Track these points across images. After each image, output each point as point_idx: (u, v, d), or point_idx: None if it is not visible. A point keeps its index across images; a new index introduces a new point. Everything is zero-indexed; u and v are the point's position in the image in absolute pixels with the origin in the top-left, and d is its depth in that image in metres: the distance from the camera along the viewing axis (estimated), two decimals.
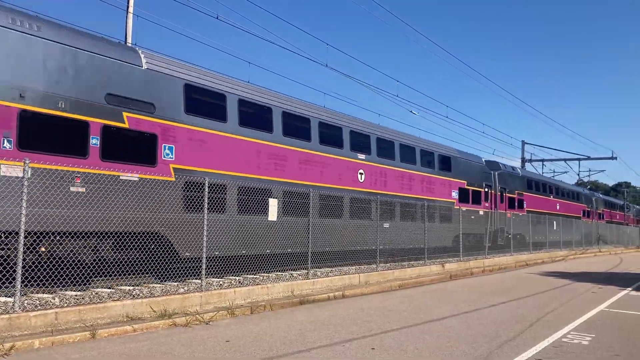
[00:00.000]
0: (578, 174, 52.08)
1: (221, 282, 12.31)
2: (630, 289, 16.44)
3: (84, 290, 10.60)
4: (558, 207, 36.35)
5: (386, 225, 18.03)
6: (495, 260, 24.01)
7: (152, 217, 11.30)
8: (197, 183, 12.03)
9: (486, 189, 26.47)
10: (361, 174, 17.61)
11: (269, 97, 14.48)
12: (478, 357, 7.58)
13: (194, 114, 12.41)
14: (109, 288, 11.00)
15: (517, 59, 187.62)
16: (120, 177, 10.63)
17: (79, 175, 10.22)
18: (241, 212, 12.99)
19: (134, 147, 11.23)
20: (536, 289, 15.71)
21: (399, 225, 18.71)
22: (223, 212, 12.67)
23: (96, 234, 10.49)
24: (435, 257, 21.07)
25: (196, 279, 12.34)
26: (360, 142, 17.57)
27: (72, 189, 10.11)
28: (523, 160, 45.57)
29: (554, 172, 50.96)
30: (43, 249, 9.74)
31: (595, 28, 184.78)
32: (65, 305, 9.10)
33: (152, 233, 11.20)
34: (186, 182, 12.00)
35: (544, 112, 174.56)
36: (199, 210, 11.71)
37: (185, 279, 12.07)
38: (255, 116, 13.75)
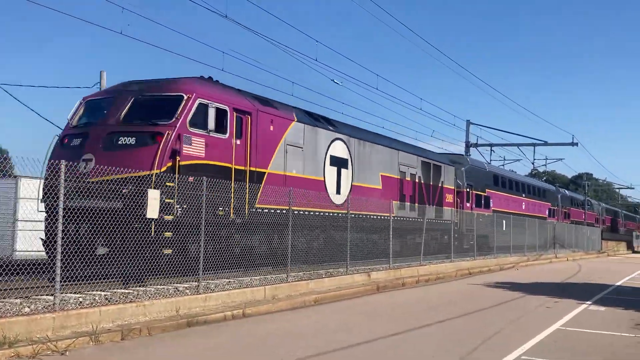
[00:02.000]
0: (533, 163, 54.32)
1: (81, 299, 11.90)
2: (589, 302, 17.32)
3: None
4: (584, 217, 65.23)
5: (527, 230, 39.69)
6: (431, 268, 24.78)
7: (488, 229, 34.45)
8: (499, 215, 35.27)
9: (556, 207, 53.63)
10: (523, 204, 43.94)
11: (515, 176, 45.62)
12: None
13: (496, 186, 38.65)
14: None
15: (463, 26, 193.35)
16: (484, 214, 34.70)
17: (482, 215, 35.07)
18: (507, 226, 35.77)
19: (485, 202, 36.54)
20: (482, 304, 16.28)
21: (531, 230, 40.36)
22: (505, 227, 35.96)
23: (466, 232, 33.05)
24: (360, 263, 21.52)
25: (74, 292, 11.77)
26: (522, 188, 44.61)
27: (480, 219, 34.04)
28: (467, 145, 47.16)
29: (504, 159, 53.15)
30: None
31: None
32: None
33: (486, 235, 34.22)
34: (496, 215, 34.85)
35: (493, 86, 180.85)
36: (499, 225, 35.09)
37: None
38: (508, 185, 41.44)
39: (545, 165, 60.21)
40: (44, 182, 13.17)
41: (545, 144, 48.58)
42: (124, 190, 13.57)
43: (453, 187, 31.36)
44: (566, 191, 61.37)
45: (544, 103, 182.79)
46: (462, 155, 36.75)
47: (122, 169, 13.06)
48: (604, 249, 64.93)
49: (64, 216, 11.00)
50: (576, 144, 48.27)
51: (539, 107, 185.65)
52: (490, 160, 47.98)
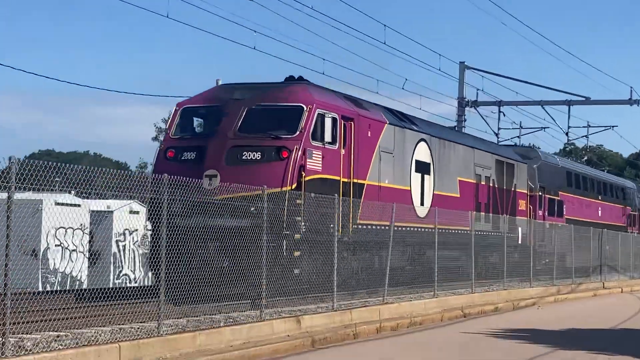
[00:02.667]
0: (567, 133, 55.07)
1: None
2: None
3: None
4: None
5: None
6: (402, 309, 24.97)
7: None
8: (573, 223, 45.29)
9: (637, 212, 61.88)
10: (599, 209, 53.68)
11: (589, 171, 58.41)
12: None
13: (569, 187, 48.86)
14: None
15: None
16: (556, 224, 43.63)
17: (546, 224, 43.39)
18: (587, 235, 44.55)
19: (558, 209, 45.62)
20: None
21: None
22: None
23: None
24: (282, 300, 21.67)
25: None
26: (598, 188, 54.69)
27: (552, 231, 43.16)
28: (461, 103, 47.35)
29: (521, 126, 53.11)
30: None
31: None
32: None
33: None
34: (570, 223, 45.19)
35: (505, 8, 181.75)
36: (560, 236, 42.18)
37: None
38: (583, 184, 51.88)
39: (587, 136, 59.66)
40: (151, 198, 17.94)
41: (588, 101, 48.96)
42: (252, 208, 19.18)
43: (526, 191, 40.09)
44: None
45: (586, 44, 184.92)
46: (532, 147, 47.68)
47: (251, 186, 19.20)
48: None
49: (186, 235, 17.18)
50: (637, 102, 48.63)
51: (577, 49, 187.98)
52: (499, 128, 48.35)
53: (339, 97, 25.06)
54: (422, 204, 28.24)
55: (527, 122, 76.32)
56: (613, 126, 60.49)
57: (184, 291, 17.46)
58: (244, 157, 21.34)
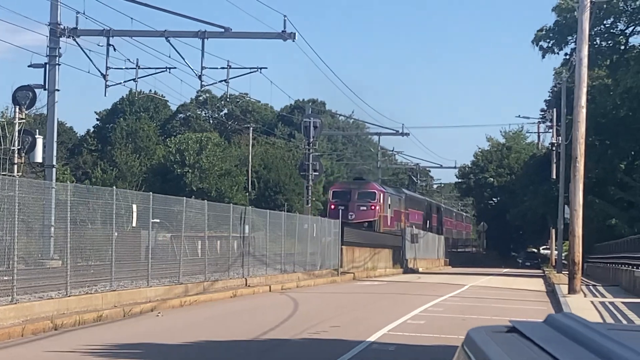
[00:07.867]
0: (199, 76, 51.07)
1: None
2: None
3: None
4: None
5: None
6: None
7: None
8: (412, 225, 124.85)
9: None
10: (416, 215, 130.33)
11: (412, 194, 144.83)
12: None
13: (409, 205, 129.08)
14: None
15: None
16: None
17: None
18: None
19: (407, 218, 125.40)
20: None
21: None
22: None
23: None
24: None
25: None
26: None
27: None
28: (55, 31, 41.60)
29: (138, 65, 50.00)
30: None
31: None
32: None
33: None
34: (410, 226, 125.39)
35: None
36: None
37: None
38: (413, 203, 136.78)
39: (226, 81, 51.56)
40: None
41: (227, 33, 45.87)
42: (365, 224, 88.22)
43: (403, 210, 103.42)
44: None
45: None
46: (399, 187, 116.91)
47: (364, 218, 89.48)
48: (347, 263, 66.83)
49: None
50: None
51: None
52: (108, 67, 45.06)
53: (379, 184, 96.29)
54: (389, 223, 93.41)
55: (148, 61, 71.39)
56: (260, 68, 54.44)
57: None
58: (361, 209, 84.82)
